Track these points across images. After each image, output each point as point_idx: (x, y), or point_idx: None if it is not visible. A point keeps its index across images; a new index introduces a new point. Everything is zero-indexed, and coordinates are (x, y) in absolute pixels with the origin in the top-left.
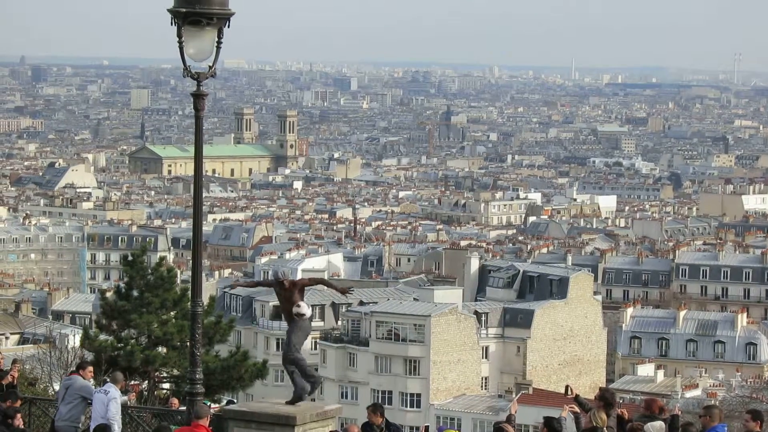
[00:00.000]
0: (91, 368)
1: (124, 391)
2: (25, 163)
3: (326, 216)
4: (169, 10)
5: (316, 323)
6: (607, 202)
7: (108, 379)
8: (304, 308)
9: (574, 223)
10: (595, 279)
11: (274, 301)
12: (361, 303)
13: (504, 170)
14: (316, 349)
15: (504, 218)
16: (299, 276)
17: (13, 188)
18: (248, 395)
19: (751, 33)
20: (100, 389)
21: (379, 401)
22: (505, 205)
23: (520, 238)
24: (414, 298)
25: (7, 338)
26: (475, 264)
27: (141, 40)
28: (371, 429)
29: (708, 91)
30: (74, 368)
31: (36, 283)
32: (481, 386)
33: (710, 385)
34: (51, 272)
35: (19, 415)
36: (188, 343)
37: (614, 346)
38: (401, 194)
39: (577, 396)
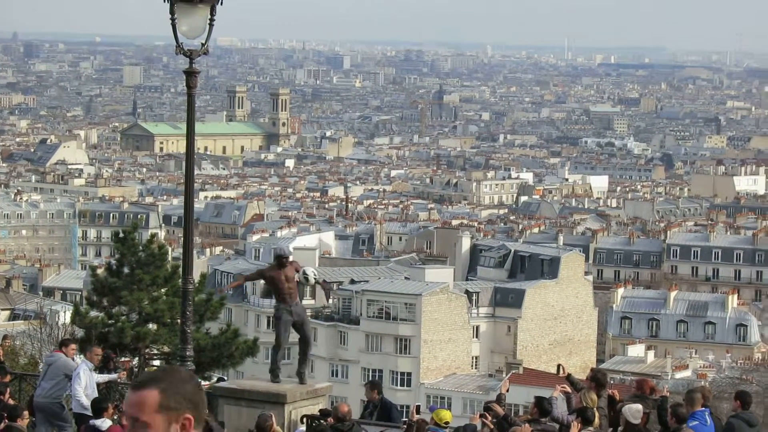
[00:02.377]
0: (74, 345)
1: (109, 369)
2: (17, 140)
3: (318, 194)
4: None
5: (307, 301)
6: (599, 183)
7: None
8: (311, 271)
9: (566, 203)
10: (587, 259)
11: None
12: (353, 281)
13: (496, 150)
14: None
15: (496, 198)
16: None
17: (4, 164)
18: (239, 373)
19: (750, 14)
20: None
21: (370, 380)
22: (496, 185)
23: (512, 217)
24: (405, 277)
25: None
26: (466, 243)
27: (134, 17)
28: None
29: (701, 72)
30: (57, 345)
31: (27, 259)
32: (472, 366)
33: (700, 366)
34: (42, 248)
35: (8, 390)
36: (179, 321)
37: (605, 327)
38: (393, 173)
39: (569, 375)
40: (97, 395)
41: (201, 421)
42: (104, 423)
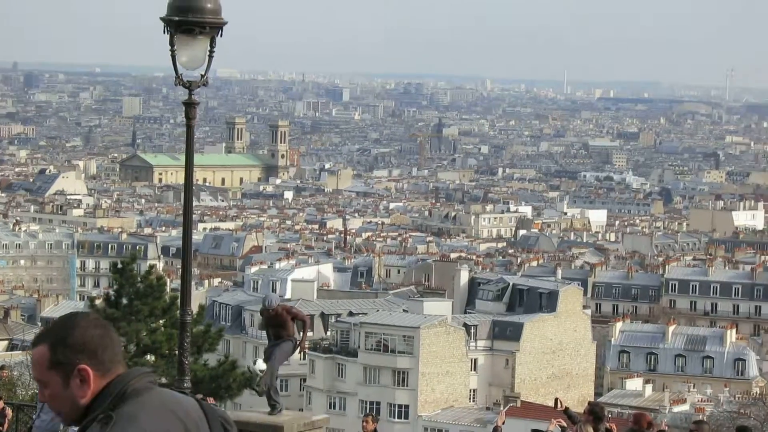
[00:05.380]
0: None
1: None
2: (16, 170)
3: (317, 226)
4: (161, 19)
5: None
6: (598, 217)
7: None
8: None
9: (565, 237)
10: (585, 293)
11: None
12: (351, 314)
13: (495, 183)
14: (305, 359)
15: (494, 231)
16: (289, 287)
17: (3, 194)
18: (236, 404)
19: (745, 49)
20: None
21: (369, 411)
22: (495, 218)
23: (510, 251)
24: (403, 310)
25: None
26: (464, 276)
27: (133, 48)
28: None
29: (700, 107)
30: None
31: (25, 289)
32: (470, 398)
33: (698, 401)
34: (40, 279)
35: (7, 420)
36: (177, 352)
37: (603, 360)
38: (392, 206)
39: (566, 409)
40: None
41: (105, 367)
42: None
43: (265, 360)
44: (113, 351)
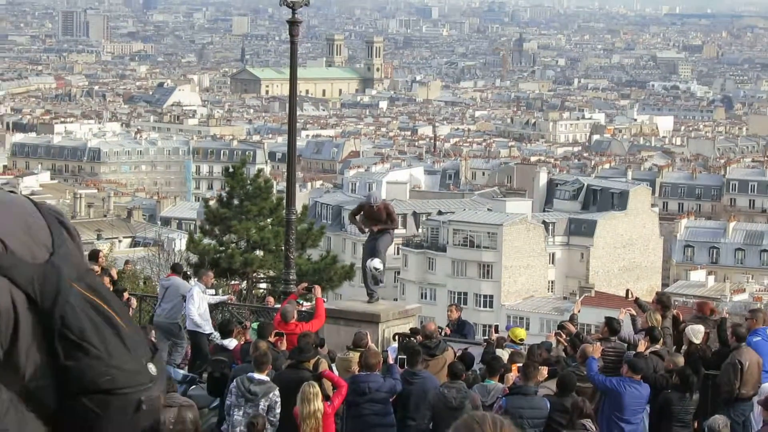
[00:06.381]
0: (211, 274)
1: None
2: (137, 84)
3: (409, 133)
4: None
5: (399, 230)
6: (665, 123)
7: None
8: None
9: (634, 142)
10: (653, 192)
11: None
12: (440, 213)
13: (571, 92)
14: (398, 254)
15: (570, 136)
16: (384, 188)
17: (126, 106)
18: (337, 295)
19: None
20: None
21: (456, 302)
22: (571, 125)
23: (585, 154)
24: (488, 209)
25: (120, 241)
26: (543, 178)
27: None
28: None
29: (759, 21)
30: (171, 269)
31: (146, 191)
32: (548, 289)
33: (756, 290)
34: (159, 182)
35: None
36: (283, 248)
37: (669, 254)
38: (477, 114)
39: (637, 299)
40: (208, 315)
41: None
42: (231, 342)
43: (369, 253)
44: None
